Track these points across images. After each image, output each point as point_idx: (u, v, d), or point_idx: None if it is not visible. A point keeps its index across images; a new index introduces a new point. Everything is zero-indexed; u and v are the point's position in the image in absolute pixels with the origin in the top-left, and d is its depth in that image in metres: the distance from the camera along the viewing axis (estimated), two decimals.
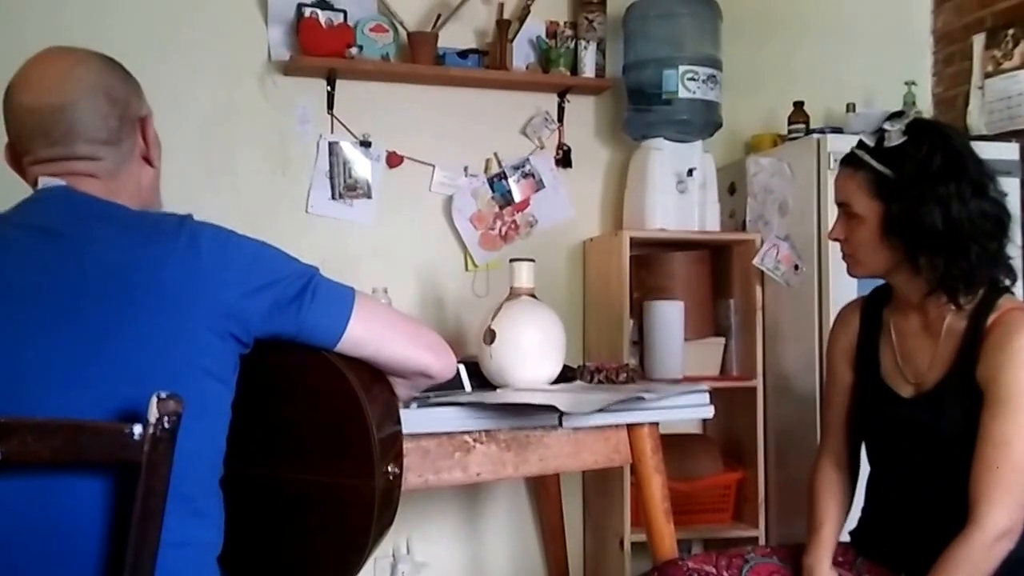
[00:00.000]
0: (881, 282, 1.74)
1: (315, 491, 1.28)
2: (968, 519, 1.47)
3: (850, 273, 1.71)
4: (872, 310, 1.74)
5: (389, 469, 1.28)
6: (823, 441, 1.81)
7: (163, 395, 1.00)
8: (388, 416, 1.32)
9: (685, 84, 2.71)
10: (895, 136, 1.57)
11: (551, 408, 1.77)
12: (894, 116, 1.60)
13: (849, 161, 1.65)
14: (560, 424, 1.84)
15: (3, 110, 1.22)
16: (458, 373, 1.94)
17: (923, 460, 1.60)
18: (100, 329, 1.09)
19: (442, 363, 1.37)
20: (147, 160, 1.29)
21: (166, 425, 0.99)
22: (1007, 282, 1.59)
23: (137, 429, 0.99)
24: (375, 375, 1.32)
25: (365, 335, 1.27)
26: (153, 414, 0.99)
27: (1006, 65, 2.93)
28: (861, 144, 1.63)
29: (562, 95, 2.96)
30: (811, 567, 1.65)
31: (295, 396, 1.30)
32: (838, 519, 1.72)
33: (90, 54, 1.25)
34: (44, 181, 1.19)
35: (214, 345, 1.15)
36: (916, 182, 1.54)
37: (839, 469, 1.76)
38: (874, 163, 1.59)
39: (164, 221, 1.18)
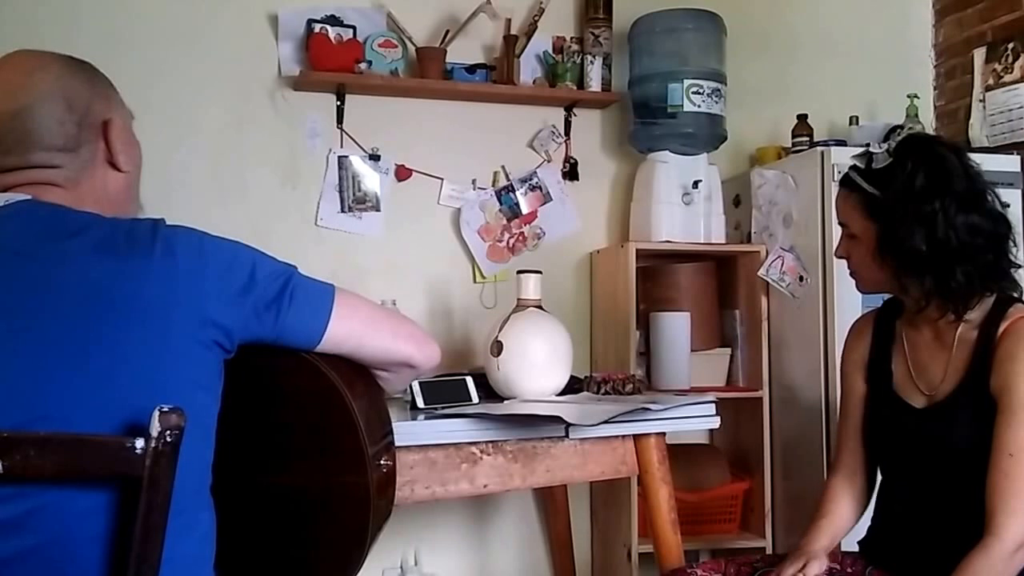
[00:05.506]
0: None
1: (310, 492, 1.27)
2: (986, 530, 1.45)
3: (858, 289, 1.73)
4: (885, 321, 1.74)
5: (382, 462, 1.27)
6: (837, 457, 1.79)
7: (165, 408, 0.97)
8: (373, 408, 1.31)
9: (690, 98, 2.72)
10: (881, 158, 1.59)
11: (557, 419, 1.78)
12: (892, 131, 1.61)
13: (844, 182, 1.67)
14: (567, 435, 1.85)
15: None
16: (465, 384, 1.96)
17: (934, 471, 1.59)
18: (81, 348, 1.05)
19: (424, 353, 1.35)
20: (113, 165, 1.23)
21: (168, 439, 0.97)
22: (1014, 292, 1.59)
23: (139, 443, 0.97)
24: (357, 370, 1.31)
25: (346, 333, 1.25)
26: (155, 428, 0.97)
27: (1007, 78, 2.94)
28: (854, 166, 1.64)
29: (569, 109, 2.98)
30: (802, 546, 1.65)
31: (280, 399, 1.29)
32: (842, 517, 1.71)
33: (54, 58, 1.20)
34: (5, 197, 1.14)
35: (199, 355, 1.12)
36: (901, 201, 1.55)
37: (852, 483, 1.74)
38: (864, 184, 1.61)
39: (136, 230, 1.13)
